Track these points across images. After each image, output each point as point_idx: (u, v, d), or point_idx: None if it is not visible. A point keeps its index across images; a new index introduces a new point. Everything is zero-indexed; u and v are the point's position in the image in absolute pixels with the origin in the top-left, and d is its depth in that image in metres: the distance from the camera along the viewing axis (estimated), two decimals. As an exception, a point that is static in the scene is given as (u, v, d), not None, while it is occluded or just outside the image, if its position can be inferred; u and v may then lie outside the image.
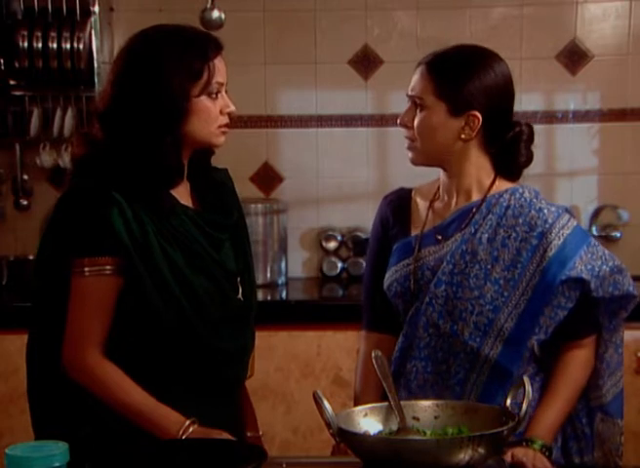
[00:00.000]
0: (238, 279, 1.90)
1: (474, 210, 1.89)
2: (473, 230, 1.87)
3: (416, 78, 1.89)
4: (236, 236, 1.94)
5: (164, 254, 1.76)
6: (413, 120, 1.88)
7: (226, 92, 1.83)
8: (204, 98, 1.77)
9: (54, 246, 1.79)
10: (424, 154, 1.89)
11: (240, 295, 1.89)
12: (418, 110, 1.87)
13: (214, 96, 1.79)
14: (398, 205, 2.01)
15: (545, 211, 1.87)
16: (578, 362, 1.88)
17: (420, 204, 1.99)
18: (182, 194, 1.85)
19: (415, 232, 1.95)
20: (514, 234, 1.85)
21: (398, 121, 1.92)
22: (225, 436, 1.72)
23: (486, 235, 1.86)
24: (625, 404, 1.94)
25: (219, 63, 1.80)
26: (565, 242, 1.83)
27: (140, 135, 1.75)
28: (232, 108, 1.82)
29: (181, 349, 1.80)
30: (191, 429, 1.72)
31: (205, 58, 1.77)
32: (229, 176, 2.02)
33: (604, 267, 1.85)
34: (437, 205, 1.96)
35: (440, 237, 1.90)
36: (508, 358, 1.84)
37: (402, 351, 1.91)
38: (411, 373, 1.87)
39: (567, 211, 1.91)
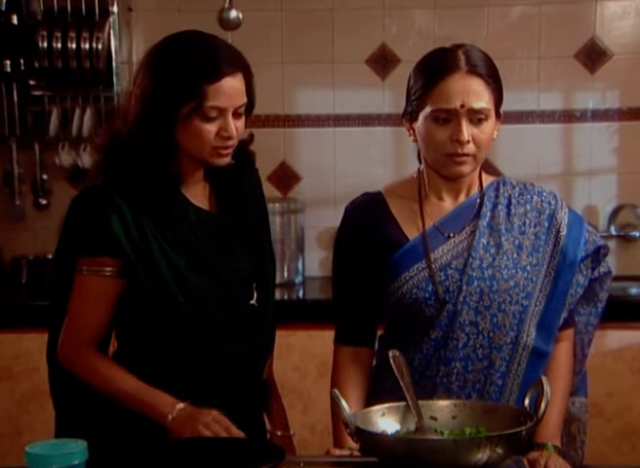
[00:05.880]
0: (254, 284, 1.88)
1: (477, 201, 1.90)
2: (485, 223, 1.88)
3: (475, 89, 1.80)
4: (254, 239, 1.92)
5: (165, 258, 1.77)
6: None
7: (239, 114, 1.78)
8: (196, 120, 1.74)
9: (64, 246, 1.84)
10: (478, 165, 1.87)
11: (254, 301, 1.87)
12: (476, 123, 1.81)
13: (210, 119, 1.74)
14: (375, 209, 1.92)
15: (545, 193, 1.94)
16: (565, 355, 1.93)
17: (402, 205, 1.92)
18: (198, 195, 1.85)
19: (410, 234, 1.89)
20: (527, 221, 1.90)
21: (464, 139, 1.79)
22: (215, 413, 1.72)
23: (503, 226, 1.88)
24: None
25: (224, 86, 1.74)
26: (569, 220, 1.91)
27: (138, 140, 1.77)
28: (230, 134, 1.76)
29: (189, 352, 1.81)
30: (182, 405, 1.73)
31: (201, 81, 1.72)
32: (256, 174, 2.00)
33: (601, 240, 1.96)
34: (428, 204, 1.91)
35: (450, 234, 1.88)
36: (543, 341, 1.88)
37: (433, 356, 1.86)
38: (451, 375, 1.84)
39: None
